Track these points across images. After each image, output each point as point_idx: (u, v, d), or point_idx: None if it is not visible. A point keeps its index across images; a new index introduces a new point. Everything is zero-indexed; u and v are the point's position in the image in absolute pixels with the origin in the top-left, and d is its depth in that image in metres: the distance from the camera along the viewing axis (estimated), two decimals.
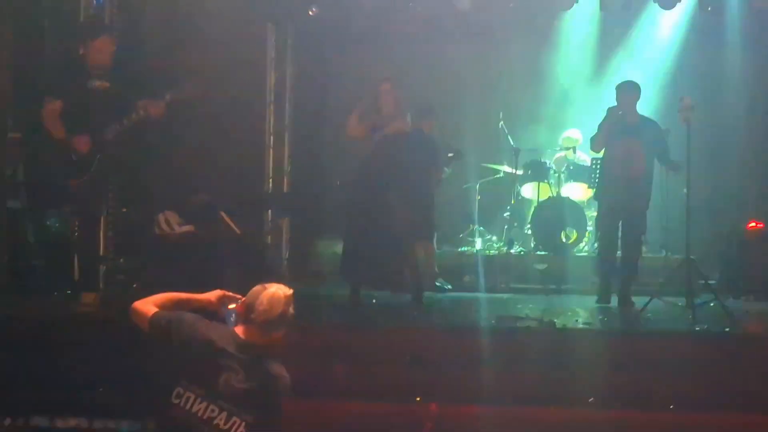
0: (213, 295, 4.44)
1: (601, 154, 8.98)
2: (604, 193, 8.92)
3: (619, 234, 8.83)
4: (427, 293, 8.79)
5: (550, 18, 11.28)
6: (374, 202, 8.32)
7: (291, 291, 4.33)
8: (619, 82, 8.86)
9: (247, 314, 4.25)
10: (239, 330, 4.29)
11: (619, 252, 8.87)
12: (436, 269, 9.41)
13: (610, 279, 8.76)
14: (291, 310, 4.37)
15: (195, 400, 4.18)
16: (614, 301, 8.65)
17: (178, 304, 4.52)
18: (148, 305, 4.41)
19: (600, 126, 8.53)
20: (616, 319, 8.24)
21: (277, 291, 4.30)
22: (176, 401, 4.16)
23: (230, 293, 4.46)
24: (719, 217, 10.23)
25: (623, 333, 7.88)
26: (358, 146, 8.68)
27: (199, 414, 4.12)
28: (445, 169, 10.05)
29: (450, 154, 10.00)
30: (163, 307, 4.48)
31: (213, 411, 4.13)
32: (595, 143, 8.78)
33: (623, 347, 7.37)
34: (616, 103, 8.57)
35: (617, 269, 8.82)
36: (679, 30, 11.37)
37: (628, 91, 8.58)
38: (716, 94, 10.94)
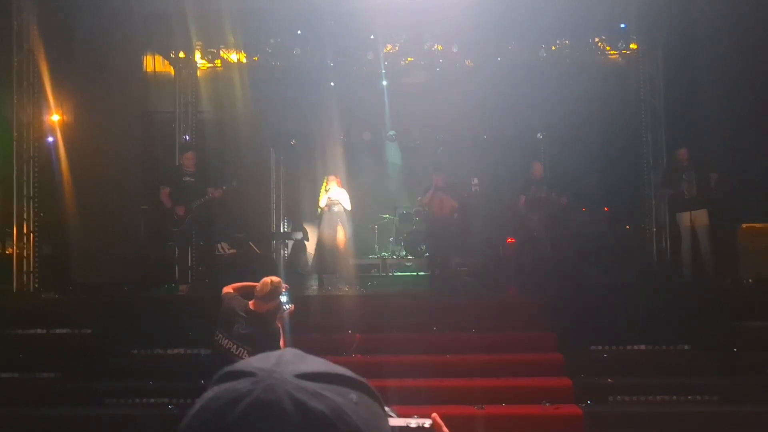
0: (254, 283, 4.61)
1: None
2: (430, 221, 10.09)
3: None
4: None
5: None
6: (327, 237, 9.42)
7: (278, 279, 4.55)
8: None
9: (254, 292, 4.56)
10: (250, 302, 4.51)
11: None
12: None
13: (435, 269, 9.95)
14: (278, 290, 4.44)
15: (223, 338, 4.40)
16: None
17: (241, 287, 4.75)
18: (227, 287, 4.73)
19: (425, 190, 9.68)
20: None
21: (269, 279, 4.51)
22: (216, 338, 4.45)
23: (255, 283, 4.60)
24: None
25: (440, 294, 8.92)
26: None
27: (225, 346, 4.36)
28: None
29: None
30: (234, 288, 4.70)
31: (230, 344, 4.34)
32: (425, 200, 9.76)
33: (440, 301, 8.43)
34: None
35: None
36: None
37: (438, 170, 9.75)
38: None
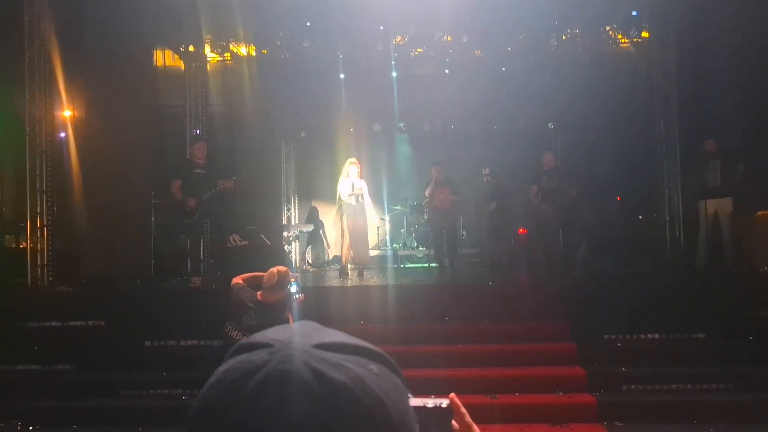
0: (262, 273, 4.66)
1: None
2: (432, 214, 10.08)
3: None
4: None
5: None
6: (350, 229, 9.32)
7: (285, 269, 4.59)
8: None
9: (262, 283, 4.59)
10: (258, 293, 4.56)
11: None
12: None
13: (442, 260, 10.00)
14: (286, 280, 4.47)
15: (233, 330, 4.47)
16: None
17: (250, 278, 4.80)
18: (237, 278, 4.80)
19: (427, 183, 9.86)
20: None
21: (275, 269, 4.54)
22: (226, 330, 4.52)
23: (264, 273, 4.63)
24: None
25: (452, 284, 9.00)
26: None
27: (235, 337, 4.35)
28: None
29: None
30: (243, 279, 4.76)
31: (240, 335, 4.35)
32: (426, 192, 9.91)
33: (452, 291, 8.44)
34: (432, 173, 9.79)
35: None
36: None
37: (436, 163, 9.80)
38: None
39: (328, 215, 12.08)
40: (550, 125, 12.13)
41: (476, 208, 11.24)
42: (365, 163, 10.62)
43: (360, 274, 9.40)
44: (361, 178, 9.24)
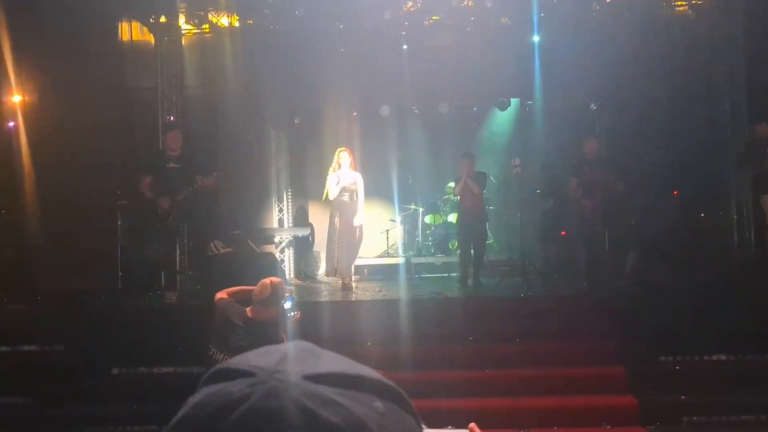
0: (252, 287, 4.73)
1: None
2: (460, 216, 10.21)
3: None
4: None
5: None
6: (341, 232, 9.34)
7: (279, 280, 4.71)
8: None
9: (252, 297, 4.66)
10: (248, 309, 4.65)
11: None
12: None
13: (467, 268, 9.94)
14: (279, 294, 4.58)
15: (218, 353, 4.57)
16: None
17: (237, 292, 4.89)
18: (221, 293, 4.90)
19: (456, 179, 10.00)
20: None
21: (268, 281, 4.62)
22: (210, 353, 4.62)
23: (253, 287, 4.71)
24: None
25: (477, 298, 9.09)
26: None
27: (220, 361, 4.18)
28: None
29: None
30: (229, 294, 4.85)
31: (226, 358, 4.28)
32: (455, 190, 10.04)
33: (477, 306, 8.47)
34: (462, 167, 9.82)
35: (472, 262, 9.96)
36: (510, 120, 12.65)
37: (467, 157, 9.86)
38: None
39: (320, 216, 12.06)
40: (593, 106, 12.12)
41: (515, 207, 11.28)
42: (371, 153, 10.56)
43: (344, 289, 9.30)
44: (355, 170, 9.25)
